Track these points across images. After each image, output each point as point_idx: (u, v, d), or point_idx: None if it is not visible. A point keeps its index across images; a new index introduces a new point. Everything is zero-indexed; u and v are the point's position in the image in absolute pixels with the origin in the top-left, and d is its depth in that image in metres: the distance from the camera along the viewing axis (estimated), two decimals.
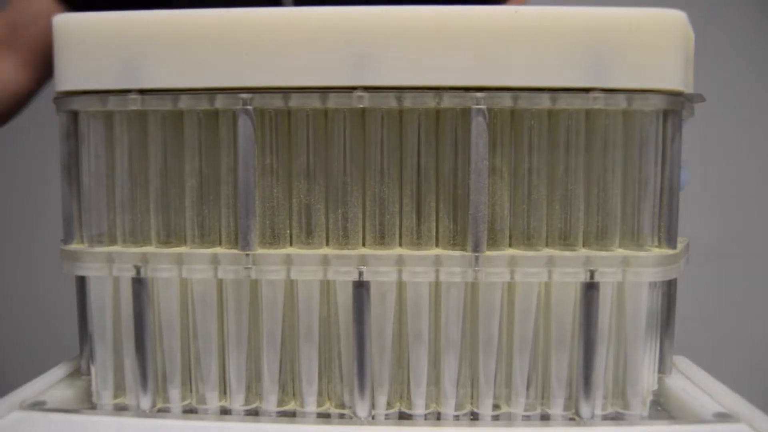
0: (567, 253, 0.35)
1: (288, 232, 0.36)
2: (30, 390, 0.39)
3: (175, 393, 0.38)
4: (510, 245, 0.36)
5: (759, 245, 1.00)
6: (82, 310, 0.40)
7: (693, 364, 0.45)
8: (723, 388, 0.40)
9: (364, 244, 0.36)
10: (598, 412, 0.37)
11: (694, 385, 0.41)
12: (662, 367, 0.42)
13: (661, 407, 0.38)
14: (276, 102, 0.34)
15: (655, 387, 0.41)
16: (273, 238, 0.36)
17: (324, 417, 0.37)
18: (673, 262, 0.36)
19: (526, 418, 0.37)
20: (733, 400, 0.38)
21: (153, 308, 0.37)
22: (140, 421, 0.36)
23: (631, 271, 0.35)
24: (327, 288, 0.37)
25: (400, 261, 0.35)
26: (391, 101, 0.34)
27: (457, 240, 0.36)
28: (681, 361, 0.45)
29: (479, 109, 0.34)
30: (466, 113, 0.34)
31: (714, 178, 0.99)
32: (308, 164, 0.36)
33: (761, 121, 1.01)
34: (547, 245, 0.36)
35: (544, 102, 0.34)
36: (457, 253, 0.35)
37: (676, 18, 0.34)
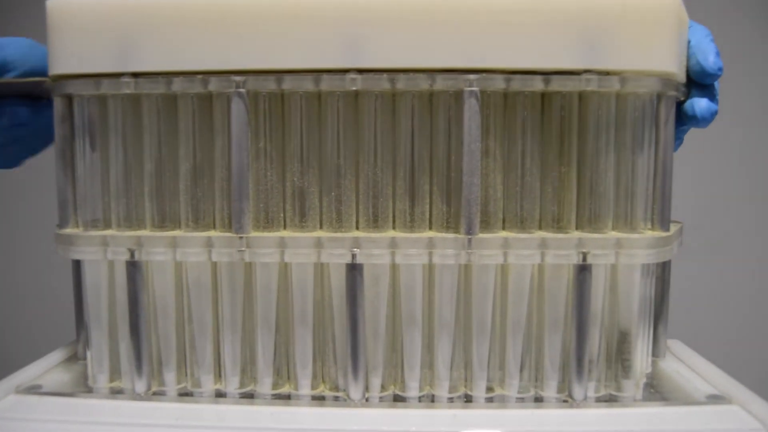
0: (560, 236, 0.35)
1: (282, 215, 0.36)
2: (26, 374, 0.40)
3: (170, 376, 0.38)
4: (503, 228, 0.36)
5: (759, 236, 1.01)
6: (78, 296, 0.41)
7: (687, 348, 0.45)
8: (716, 371, 0.40)
9: (357, 227, 0.36)
10: (591, 394, 0.37)
11: (688, 367, 0.42)
12: (656, 351, 0.43)
13: (655, 389, 0.38)
14: (269, 85, 0.34)
15: (649, 370, 0.41)
16: (267, 222, 0.36)
17: (318, 399, 0.37)
18: (665, 244, 0.36)
19: (520, 400, 0.37)
20: (726, 383, 0.38)
21: (148, 292, 0.37)
22: (135, 404, 0.36)
23: (624, 253, 0.35)
24: (321, 271, 0.37)
25: (393, 243, 0.35)
26: (384, 83, 0.34)
27: (450, 223, 0.36)
28: (675, 345, 0.45)
29: (472, 91, 0.34)
30: (459, 96, 0.34)
31: (717, 167, 0.99)
32: (302, 147, 0.36)
33: (763, 115, 1.01)
34: (540, 228, 0.36)
35: (537, 84, 0.34)
36: (451, 235, 0.35)
37: (670, 1, 0.34)
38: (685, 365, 0.42)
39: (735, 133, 0.97)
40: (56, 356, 0.43)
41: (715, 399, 0.37)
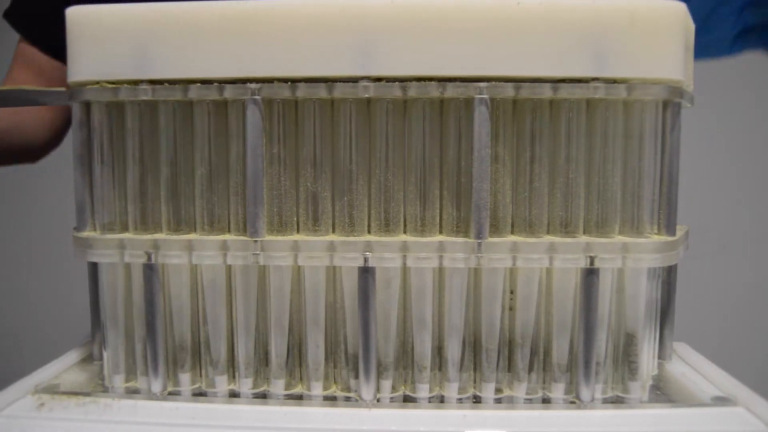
0: (568, 240, 0.36)
1: (295, 219, 0.37)
2: (44, 374, 0.41)
3: (185, 377, 0.39)
4: (512, 232, 0.37)
5: (766, 240, 1.01)
6: (95, 297, 0.41)
7: (693, 350, 0.45)
8: (722, 373, 0.41)
9: (369, 231, 0.37)
10: (598, 395, 0.37)
11: (694, 370, 0.42)
12: (662, 353, 0.43)
13: (661, 391, 0.39)
14: (283, 92, 0.35)
15: (655, 372, 0.42)
16: (280, 226, 0.37)
17: (330, 400, 0.38)
18: (672, 248, 0.37)
19: (528, 401, 0.38)
20: (731, 385, 0.39)
21: (163, 294, 0.38)
22: (152, 403, 0.37)
23: (631, 257, 0.35)
24: (333, 274, 0.38)
25: (404, 247, 0.36)
26: (396, 91, 0.35)
27: (460, 227, 0.37)
28: (681, 348, 0.46)
29: (482, 99, 0.34)
30: (469, 103, 0.35)
31: (723, 171, 0.99)
32: (315, 153, 0.36)
33: None
34: (548, 233, 0.37)
35: (546, 92, 0.35)
36: (461, 239, 0.36)
37: (675, 9, 0.35)
38: (691, 368, 0.43)
39: (744, 135, 0.98)
40: (72, 357, 0.44)
41: (720, 401, 0.37)
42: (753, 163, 1.01)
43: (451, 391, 0.38)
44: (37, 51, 0.66)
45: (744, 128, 0.99)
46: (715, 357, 0.43)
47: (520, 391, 0.38)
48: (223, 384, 0.39)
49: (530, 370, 0.38)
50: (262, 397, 0.38)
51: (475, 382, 0.38)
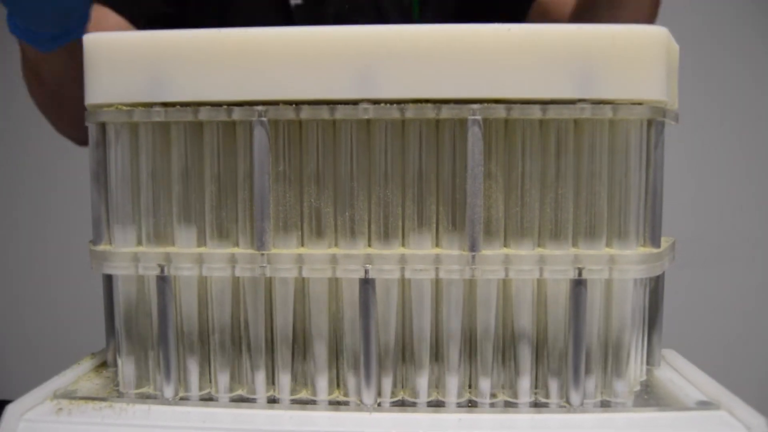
0: (557, 252, 0.38)
1: (300, 233, 0.39)
2: (62, 380, 0.43)
3: (195, 383, 0.41)
4: (504, 245, 0.39)
5: (757, 247, 1.03)
6: (109, 307, 0.43)
7: (681, 357, 0.47)
8: (707, 379, 0.42)
9: (369, 244, 0.39)
10: (588, 400, 0.39)
11: (681, 375, 0.44)
12: (650, 360, 0.45)
13: (648, 396, 0.41)
14: (288, 114, 0.37)
15: (644, 378, 0.43)
16: (286, 239, 0.39)
17: (334, 404, 0.40)
18: (656, 260, 0.39)
19: (522, 405, 0.39)
20: (715, 390, 0.40)
21: (175, 304, 0.40)
22: (164, 408, 0.39)
23: (617, 268, 0.37)
24: (336, 285, 0.40)
25: (402, 260, 0.38)
26: (394, 113, 0.37)
27: (455, 240, 0.38)
28: (669, 354, 0.48)
29: (475, 120, 0.37)
30: (463, 123, 0.37)
31: (716, 181, 1.01)
32: (318, 170, 0.39)
33: (762, 125, 1.03)
34: (539, 245, 0.39)
35: (536, 113, 0.37)
36: (456, 252, 0.38)
37: (658, 34, 0.37)
38: (678, 373, 0.44)
39: (741, 144, 0.99)
40: (88, 364, 0.46)
41: (704, 405, 0.39)
42: (750, 173, 1.02)
43: (448, 395, 0.40)
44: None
45: (740, 138, 1.01)
46: (714, 362, 0.45)
47: (513, 395, 0.40)
48: (229, 388, 0.41)
49: (522, 375, 0.40)
50: (270, 401, 0.40)
51: (470, 387, 0.40)
